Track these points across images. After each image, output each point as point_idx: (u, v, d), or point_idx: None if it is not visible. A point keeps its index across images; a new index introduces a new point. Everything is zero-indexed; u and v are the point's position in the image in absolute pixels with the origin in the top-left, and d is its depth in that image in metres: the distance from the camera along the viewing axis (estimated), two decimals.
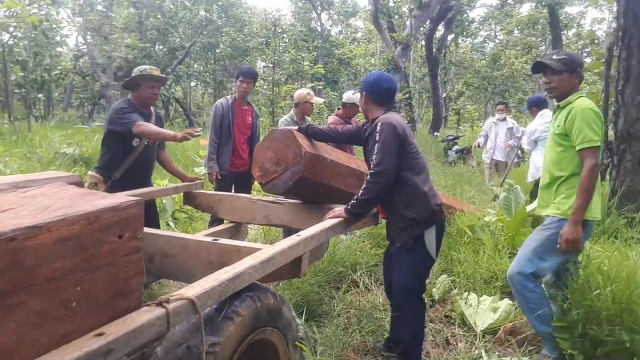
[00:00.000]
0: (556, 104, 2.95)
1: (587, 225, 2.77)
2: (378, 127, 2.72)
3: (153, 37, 21.90)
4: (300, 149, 2.97)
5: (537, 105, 6.39)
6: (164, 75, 3.89)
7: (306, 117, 5.05)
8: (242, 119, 4.76)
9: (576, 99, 2.78)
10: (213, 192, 3.99)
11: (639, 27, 4.71)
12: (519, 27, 22.73)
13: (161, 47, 22.53)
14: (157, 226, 3.91)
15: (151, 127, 3.49)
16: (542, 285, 2.99)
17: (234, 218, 3.64)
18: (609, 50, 5.78)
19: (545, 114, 6.32)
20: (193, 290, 1.60)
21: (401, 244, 2.81)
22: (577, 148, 2.69)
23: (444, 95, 27.72)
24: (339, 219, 2.74)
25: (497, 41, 30.98)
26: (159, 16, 20.96)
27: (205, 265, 2.25)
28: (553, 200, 2.83)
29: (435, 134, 16.18)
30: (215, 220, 4.32)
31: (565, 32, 22.98)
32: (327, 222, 2.68)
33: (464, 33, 26.13)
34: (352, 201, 2.72)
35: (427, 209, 2.75)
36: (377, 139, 2.69)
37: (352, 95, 4.85)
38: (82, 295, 1.40)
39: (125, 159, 3.57)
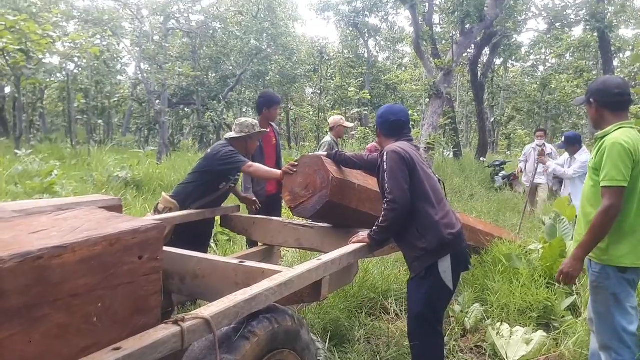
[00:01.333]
0: None
1: (635, 272, 2.59)
2: (384, 157, 2.78)
3: (206, 65, 22.83)
4: (327, 174, 3.07)
5: (579, 142, 6.57)
6: (266, 130, 4.31)
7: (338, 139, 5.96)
8: (268, 141, 4.98)
9: (615, 129, 2.57)
10: (247, 215, 4.15)
11: None
12: (570, 51, 22.20)
13: (214, 74, 23.45)
14: (206, 247, 4.15)
15: (261, 168, 3.83)
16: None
17: (266, 241, 3.77)
18: None
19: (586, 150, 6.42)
20: (209, 310, 1.71)
21: (414, 274, 2.79)
22: (601, 185, 2.52)
23: (492, 119, 27.24)
24: (362, 244, 2.81)
25: (549, 65, 30.26)
26: (211, 45, 21.87)
27: (232, 286, 2.32)
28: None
29: (482, 159, 15.92)
30: (253, 242, 4.49)
31: (621, 55, 22.22)
32: (350, 247, 2.76)
33: (513, 57, 25.72)
34: (374, 228, 2.79)
35: (438, 239, 2.69)
36: (384, 168, 2.74)
37: None
38: (102, 311, 1.53)
39: (206, 196, 3.81)
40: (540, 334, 3.53)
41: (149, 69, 17.17)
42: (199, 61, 21.69)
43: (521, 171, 8.83)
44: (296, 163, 3.36)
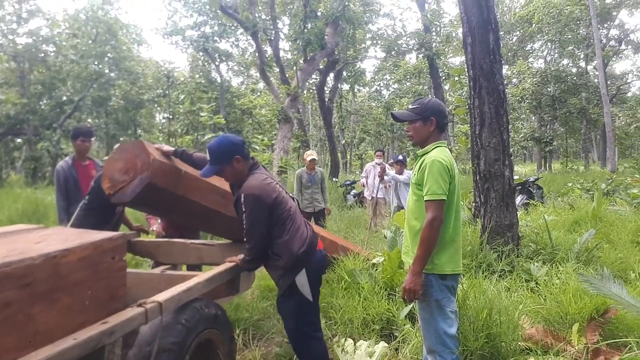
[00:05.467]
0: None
1: (453, 279, 2.76)
2: (242, 199, 2.81)
3: (37, 91, 20.68)
4: (148, 157, 2.95)
5: (405, 163, 8.16)
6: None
7: (312, 170, 7.42)
8: (86, 174, 4.76)
9: (433, 148, 2.77)
10: (151, 239, 4.18)
11: (486, 78, 5.19)
12: (407, 77, 24.40)
13: (47, 101, 21.31)
14: None
15: None
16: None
17: (170, 260, 3.87)
18: (470, 98, 6.29)
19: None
20: (160, 297, 2.30)
21: (281, 292, 2.97)
22: (424, 199, 2.66)
23: (344, 141, 28.70)
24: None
25: (392, 90, 32.91)
26: (43, 70, 19.88)
27: (156, 292, 2.57)
28: (412, 249, 2.78)
29: (334, 179, 16.58)
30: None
31: (450, 79, 24.97)
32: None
33: (360, 83, 27.50)
34: (242, 256, 3.01)
35: (291, 256, 2.86)
36: (243, 209, 2.81)
37: None
38: (92, 297, 2.07)
39: (109, 222, 3.90)
40: (382, 345, 3.63)
41: None
42: (28, 87, 19.57)
43: (363, 185, 9.51)
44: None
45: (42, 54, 18.95)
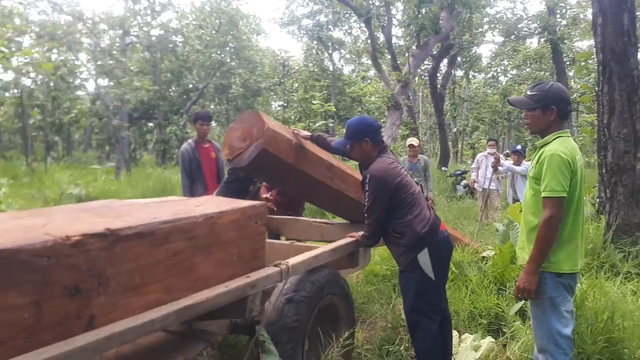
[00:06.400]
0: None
1: (570, 277, 2.63)
2: (368, 179, 2.99)
3: (167, 79, 22.56)
4: (263, 125, 3.13)
5: (524, 154, 7.94)
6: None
7: (414, 158, 7.44)
8: (206, 156, 5.10)
9: (553, 139, 2.59)
10: (278, 216, 4.58)
11: (619, 62, 4.76)
12: (527, 62, 22.88)
13: (175, 88, 23.18)
14: None
15: None
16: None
17: (295, 236, 4.29)
18: (598, 85, 5.80)
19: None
20: (292, 261, 2.65)
21: (402, 268, 3.06)
22: (542, 195, 2.52)
23: (455, 130, 27.76)
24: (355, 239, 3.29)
25: (510, 76, 31.09)
26: (172, 59, 21.64)
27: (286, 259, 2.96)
28: (528, 246, 2.66)
29: (444, 168, 16.15)
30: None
31: (576, 65, 23.00)
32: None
33: (475, 69, 26.33)
34: (362, 234, 3.23)
35: (415, 235, 2.94)
36: (367, 188, 3.01)
37: None
38: (238, 254, 2.41)
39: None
40: (488, 340, 3.54)
41: (109, 83, 16.85)
42: (159, 75, 21.41)
43: (474, 182, 9.03)
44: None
45: (172, 45, 20.57)
